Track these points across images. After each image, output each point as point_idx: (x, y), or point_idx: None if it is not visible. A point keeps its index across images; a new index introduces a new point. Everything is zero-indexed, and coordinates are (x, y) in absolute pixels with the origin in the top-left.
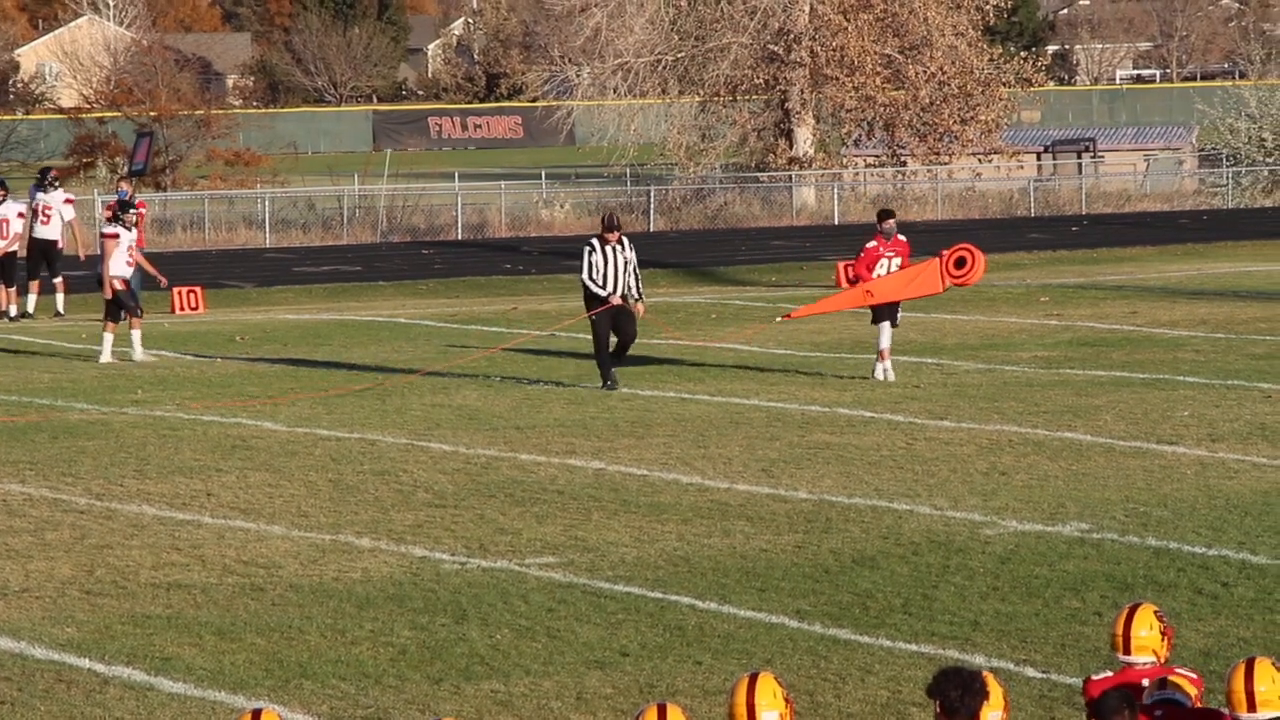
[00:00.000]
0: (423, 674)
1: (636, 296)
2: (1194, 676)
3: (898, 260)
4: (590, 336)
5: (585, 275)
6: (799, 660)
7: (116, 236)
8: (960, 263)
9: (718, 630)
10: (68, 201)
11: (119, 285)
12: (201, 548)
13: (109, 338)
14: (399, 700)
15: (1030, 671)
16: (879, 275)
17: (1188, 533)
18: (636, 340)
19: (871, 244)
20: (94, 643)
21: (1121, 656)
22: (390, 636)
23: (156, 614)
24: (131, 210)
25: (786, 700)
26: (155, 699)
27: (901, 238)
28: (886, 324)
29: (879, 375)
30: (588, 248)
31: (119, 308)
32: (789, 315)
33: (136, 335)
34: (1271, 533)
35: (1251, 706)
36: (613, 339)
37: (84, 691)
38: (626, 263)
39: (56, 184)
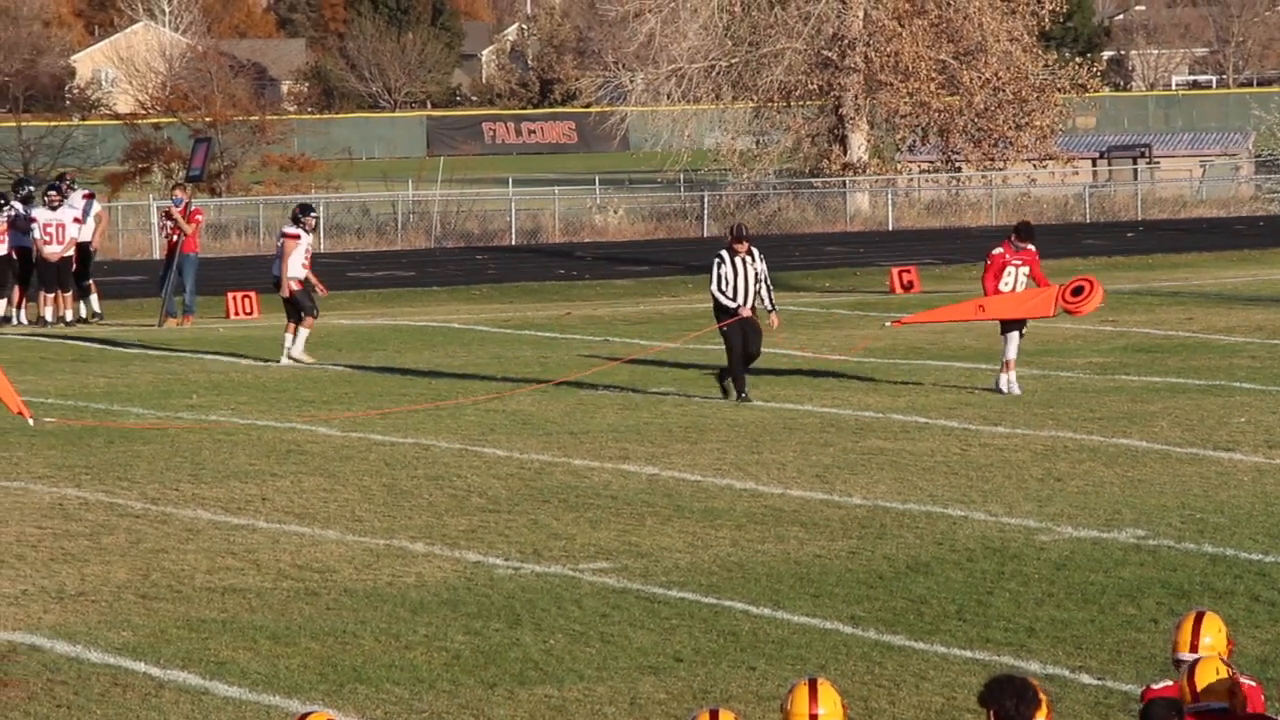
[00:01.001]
0: (476, 679)
1: (770, 308)
2: (1254, 684)
3: (1025, 269)
4: (723, 348)
5: (715, 287)
6: (853, 666)
7: (298, 238)
8: (1078, 290)
9: (771, 636)
10: (87, 197)
11: (295, 286)
12: (256, 552)
13: (289, 337)
14: (453, 705)
15: (1085, 678)
16: (1005, 289)
17: (1244, 539)
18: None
19: (998, 250)
20: (149, 646)
21: (1183, 654)
22: (444, 641)
23: (211, 618)
24: (311, 214)
25: (844, 707)
26: (210, 703)
27: (1030, 246)
28: (1014, 334)
29: (1003, 388)
30: (717, 259)
31: (297, 308)
32: (897, 322)
33: (304, 334)
34: None
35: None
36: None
37: (139, 695)
38: (757, 274)
39: (74, 186)
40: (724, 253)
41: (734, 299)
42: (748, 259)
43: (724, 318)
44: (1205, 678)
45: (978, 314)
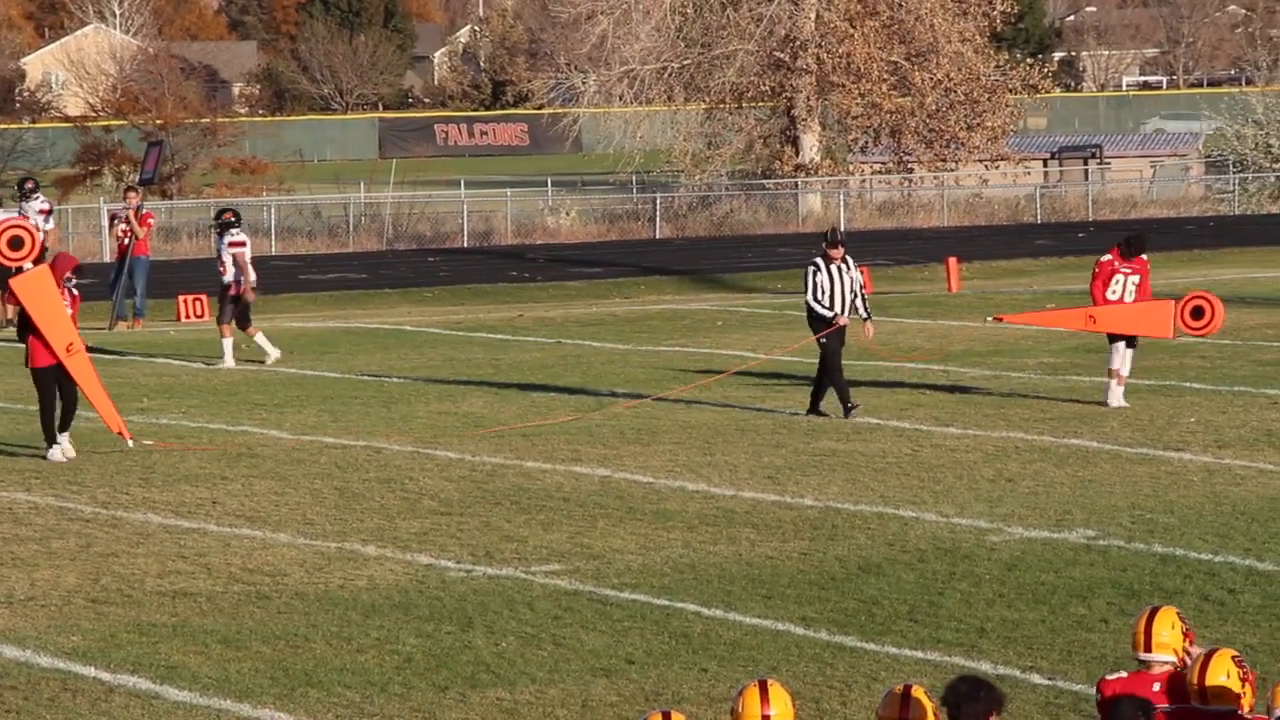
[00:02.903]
0: (428, 682)
1: (864, 317)
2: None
3: (1135, 279)
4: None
5: (810, 297)
6: (805, 668)
7: (244, 244)
8: (1198, 313)
9: (723, 637)
10: (43, 212)
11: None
12: (207, 556)
13: (229, 344)
14: (404, 708)
15: (1036, 678)
16: (1113, 296)
17: (1194, 539)
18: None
19: (1106, 257)
20: (99, 651)
21: (1142, 655)
22: (396, 644)
23: (162, 622)
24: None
25: (795, 708)
26: (161, 707)
27: (1143, 256)
28: (1121, 344)
29: (1111, 401)
30: (812, 267)
31: (248, 313)
32: (1000, 318)
33: (261, 336)
34: (1278, 539)
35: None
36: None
37: (89, 700)
38: (853, 283)
39: (35, 194)
40: (819, 260)
41: (830, 308)
42: (843, 266)
43: (821, 328)
44: (1216, 675)
45: (1087, 324)
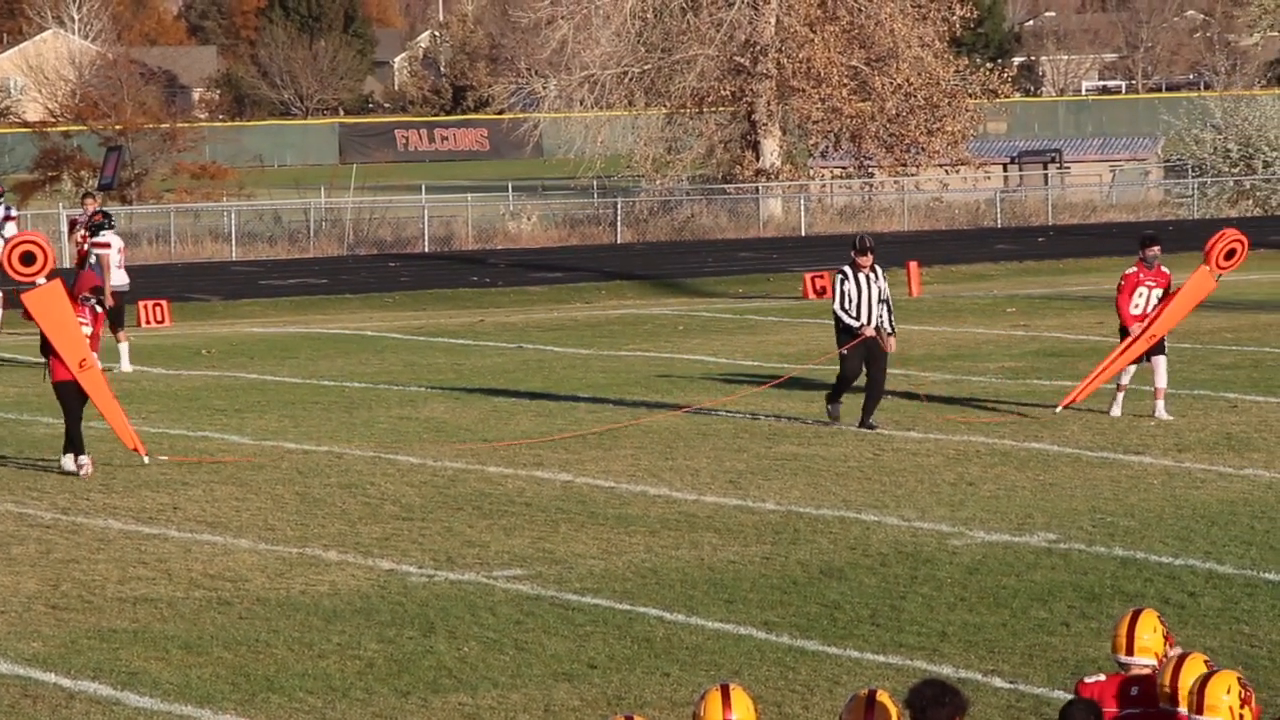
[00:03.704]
0: (390, 687)
1: (889, 331)
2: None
3: (1158, 291)
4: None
5: (838, 306)
6: (767, 671)
7: (108, 245)
8: (1230, 253)
9: (686, 642)
10: (9, 219)
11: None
12: (168, 562)
13: (125, 347)
14: (366, 714)
15: (998, 682)
16: (1135, 311)
17: (1155, 542)
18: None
19: (1131, 270)
20: (60, 657)
21: (1122, 658)
22: (357, 650)
23: (123, 628)
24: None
25: (757, 712)
26: (122, 713)
27: (1165, 269)
28: (1160, 358)
29: (1161, 414)
30: (840, 275)
31: (122, 316)
32: (1065, 404)
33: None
34: (1238, 542)
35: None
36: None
37: (50, 706)
38: (880, 292)
39: (1, 200)
40: (847, 268)
41: (857, 318)
42: (871, 275)
43: (846, 339)
44: (1217, 694)
45: (1149, 343)
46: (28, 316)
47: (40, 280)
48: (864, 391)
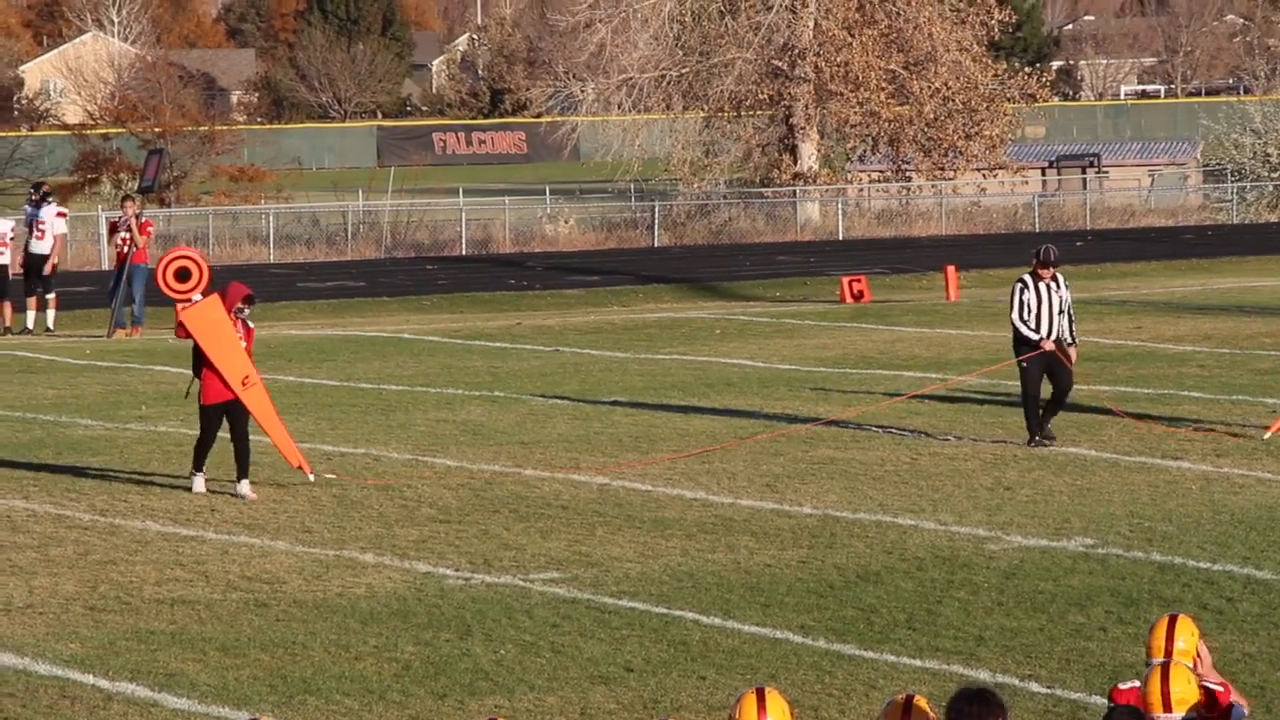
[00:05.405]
0: (427, 690)
1: (1070, 341)
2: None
3: None
4: (1020, 384)
5: (1015, 316)
6: (803, 676)
7: (65, 214)
8: None
9: (722, 646)
10: (60, 215)
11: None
12: (205, 563)
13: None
14: (403, 716)
15: (1035, 687)
16: None
17: (1192, 548)
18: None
19: None
20: (98, 659)
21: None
22: (394, 652)
23: (160, 630)
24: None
25: (792, 716)
26: (159, 715)
27: None
28: None
29: None
30: (1019, 284)
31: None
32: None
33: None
34: (1276, 548)
35: (1168, 707)
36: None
37: (88, 708)
38: (1062, 302)
39: (49, 198)
40: (1026, 277)
41: (1035, 330)
42: (1052, 285)
43: (1024, 350)
44: (1179, 684)
45: None
46: (184, 335)
47: (196, 296)
48: (1047, 401)
